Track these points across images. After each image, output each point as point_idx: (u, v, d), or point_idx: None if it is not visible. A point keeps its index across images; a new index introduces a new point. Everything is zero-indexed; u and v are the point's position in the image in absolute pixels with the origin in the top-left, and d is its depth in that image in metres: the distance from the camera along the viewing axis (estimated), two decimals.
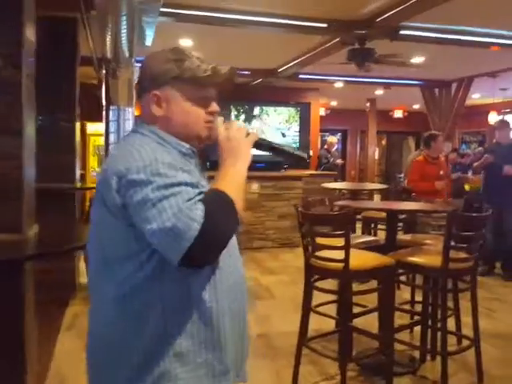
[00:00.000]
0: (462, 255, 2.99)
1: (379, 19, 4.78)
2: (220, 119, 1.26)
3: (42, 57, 4.69)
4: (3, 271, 1.90)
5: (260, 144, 1.29)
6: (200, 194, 1.09)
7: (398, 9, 4.39)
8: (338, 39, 5.49)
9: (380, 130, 13.38)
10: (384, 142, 15.58)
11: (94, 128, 8.63)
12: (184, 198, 1.06)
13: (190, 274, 1.13)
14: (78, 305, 4.45)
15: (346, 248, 2.76)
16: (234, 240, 1.24)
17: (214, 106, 1.25)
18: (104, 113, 5.18)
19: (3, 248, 1.90)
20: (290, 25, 5.01)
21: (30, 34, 2.07)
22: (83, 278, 5.05)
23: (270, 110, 9.49)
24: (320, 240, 3.10)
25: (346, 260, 2.77)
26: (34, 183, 2.29)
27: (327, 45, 5.78)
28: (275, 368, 3.26)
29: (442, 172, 5.39)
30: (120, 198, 1.09)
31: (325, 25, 5.02)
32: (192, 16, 4.94)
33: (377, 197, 11.07)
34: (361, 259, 2.93)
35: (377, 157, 14.33)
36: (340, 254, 2.78)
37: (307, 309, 3.11)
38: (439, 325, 3.11)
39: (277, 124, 9.53)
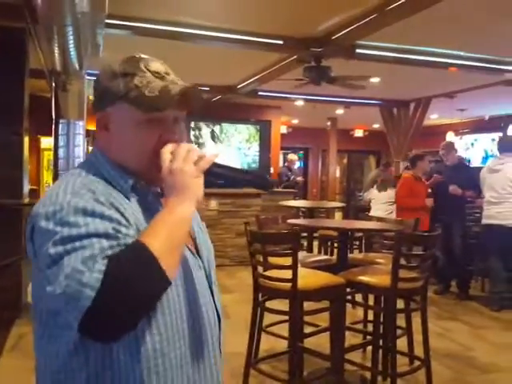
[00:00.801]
0: (412, 275, 2.98)
1: (334, 37, 4.82)
2: (167, 146, 0.99)
3: None
4: None
5: (215, 172, 1.02)
6: (113, 247, 0.87)
7: (351, 27, 4.44)
8: (294, 57, 5.51)
9: (341, 149, 13.55)
10: (345, 161, 15.79)
11: (48, 142, 8.38)
12: (84, 256, 0.84)
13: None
14: (24, 325, 4.21)
15: (294, 267, 2.70)
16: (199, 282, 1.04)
17: (169, 134, 1.01)
18: (53, 126, 5.00)
19: None
20: (246, 40, 5.00)
21: None
22: (29, 297, 4.81)
23: (231, 128, 9.47)
24: (271, 259, 3.03)
25: (293, 279, 2.70)
26: None
27: (284, 62, 5.81)
28: None
29: (429, 190, 5.59)
30: (32, 247, 0.94)
31: (280, 42, 5.03)
32: (148, 29, 4.86)
33: (338, 215, 11.17)
34: (310, 278, 2.88)
35: (338, 175, 14.49)
36: (288, 274, 2.71)
37: (255, 329, 3.04)
38: (390, 345, 3.07)
39: (237, 143, 9.50)
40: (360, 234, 4.86)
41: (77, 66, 4.28)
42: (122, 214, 0.94)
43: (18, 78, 4.68)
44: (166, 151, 0.98)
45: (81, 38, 3.51)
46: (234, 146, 9.46)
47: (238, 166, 1.07)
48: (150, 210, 1.01)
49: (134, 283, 0.84)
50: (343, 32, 4.63)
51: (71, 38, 3.51)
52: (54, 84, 4.87)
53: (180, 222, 0.93)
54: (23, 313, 4.58)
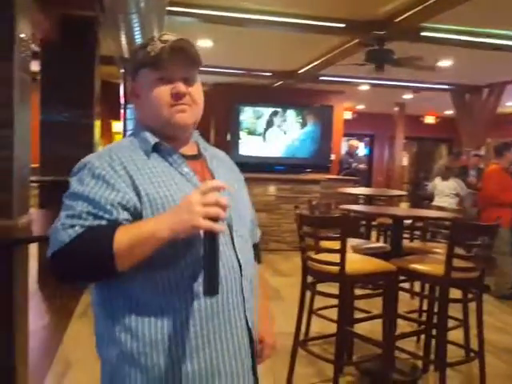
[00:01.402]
0: (467, 264, 2.89)
1: (398, 19, 4.68)
2: (209, 182, 1.08)
3: (63, 55, 4.91)
4: None
5: (208, 237, 1.04)
6: (96, 216, 1.05)
7: (416, 9, 4.29)
8: (356, 40, 5.41)
9: (410, 136, 13.12)
10: (414, 149, 15.27)
11: (120, 126, 8.78)
12: (71, 214, 1.06)
13: (126, 278, 1.08)
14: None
15: (342, 251, 2.71)
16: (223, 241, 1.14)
17: (177, 87, 1.16)
18: (122, 111, 5.26)
19: None
20: (307, 25, 4.97)
21: (23, 30, 2.12)
22: None
23: (291, 113, 9.42)
24: (323, 243, 3.06)
25: (341, 263, 2.72)
26: (29, 173, 2.36)
27: (346, 45, 5.72)
28: (272, 366, 3.25)
29: None
30: None
31: (343, 25, 4.96)
32: (210, 16, 4.96)
33: (404, 204, 10.86)
34: (359, 263, 2.87)
35: (406, 163, 14.06)
36: (336, 257, 2.73)
37: (303, 310, 3.09)
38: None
39: (297, 129, 9.46)
40: (420, 224, 4.73)
41: None
42: (131, 178, 1.10)
43: (89, 64, 4.97)
44: (204, 185, 1.05)
45: (145, 25, 3.66)
46: (294, 131, 9.43)
47: (214, 259, 1.03)
48: (175, 165, 1.18)
49: (85, 256, 1.03)
50: (407, 14, 4.48)
51: (136, 25, 3.68)
52: (123, 70, 5.11)
53: (150, 238, 1.02)
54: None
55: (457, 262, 2.81)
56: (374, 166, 14.01)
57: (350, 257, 2.84)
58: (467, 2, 4.01)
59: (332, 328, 3.57)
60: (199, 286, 1.09)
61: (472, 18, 4.82)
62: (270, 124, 9.28)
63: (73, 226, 1.04)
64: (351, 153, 9.15)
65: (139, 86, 1.21)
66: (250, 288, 1.21)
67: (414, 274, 2.99)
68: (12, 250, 2.05)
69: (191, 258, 1.10)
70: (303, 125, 9.42)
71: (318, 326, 3.63)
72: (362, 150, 13.69)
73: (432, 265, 2.94)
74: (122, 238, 1.02)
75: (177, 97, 1.17)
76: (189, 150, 1.24)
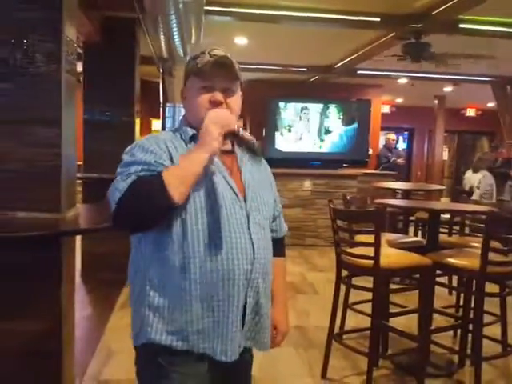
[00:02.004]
0: (504, 258, 2.87)
1: (435, 12, 4.62)
2: (211, 110, 1.35)
3: (105, 56, 5.08)
4: (41, 245, 2.12)
5: (231, 136, 1.35)
6: (144, 170, 1.28)
7: (453, 1, 4.21)
8: (393, 34, 5.36)
9: (450, 130, 12.82)
10: (455, 142, 14.90)
11: (159, 124, 8.99)
12: (126, 173, 1.27)
13: (155, 239, 1.33)
14: None
15: (376, 245, 2.73)
16: (236, 214, 1.35)
17: (215, 96, 1.38)
18: (161, 110, 5.41)
19: (41, 225, 2.13)
20: (342, 20, 4.96)
21: (69, 33, 2.25)
22: None
23: (330, 107, 9.37)
24: (358, 237, 3.09)
25: (375, 257, 2.74)
26: (75, 169, 2.50)
27: (382, 39, 5.66)
28: (307, 358, 3.32)
29: None
30: None
31: (378, 19, 4.93)
32: (246, 14, 5.03)
33: (445, 199, 10.64)
34: (394, 257, 2.89)
35: (446, 157, 13.75)
36: (370, 251, 2.76)
37: (337, 303, 3.13)
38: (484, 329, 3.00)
39: (335, 123, 9.39)
40: (458, 219, 4.66)
41: (181, 53, 4.58)
42: (170, 153, 1.34)
43: (130, 64, 5.10)
44: (208, 113, 1.33)
45: (183, 25, 3.76)
46: (332, 126, 9.38)
47: (249, 137, 1.35)
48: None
49: (144, 195, 1.23)
50: (444, 6, 4.41)
51: (174, 26, 3.79)
52: (161, 70, 5.25)
53: (191, 162, 1.27)
54: None
55: (494, 256, 2.79)
56: (414, 161, 13.77)
57: (385, 251, 2.86)
58: None
59: (367, 322, 3.61)
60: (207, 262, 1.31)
61: (510, 8, 4.69)
62: (306, 118, 9.26)
63: (129, 176, 1.26)
64: (389, 147, 9.03)
65: (187, 90, 1.45)
66: (262, 271, 1.39)
67: (449, 268, 2.98)
68: (60, 241, 2.19)
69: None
70: (341, 119, 9.36)
71: (354, 321, 3.65)
72: (400, 144, 13.48)
73: (467, 259, 2.92)
74: (170, 171, 1.26)
75: (214, 104, 1.38)
76: (223, 145, 1.37)
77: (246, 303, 1.37)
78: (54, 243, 2.16)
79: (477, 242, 3.58)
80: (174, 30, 3.91)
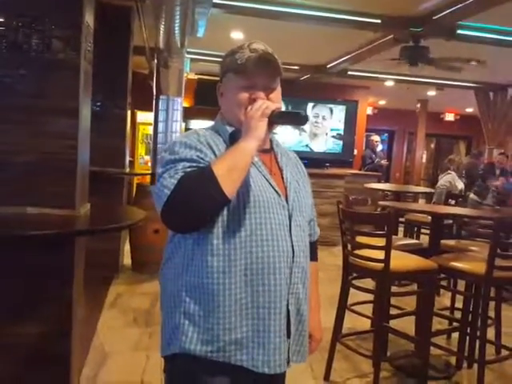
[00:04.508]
0: (509, 263, 2.90)
1: (436, 17, 4.65)
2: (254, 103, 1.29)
3: (98, 44, 4.90)
4: (55, 244, 2.01)
5: (274, 119, 1.29)
6: (192, 167, 1.21)
7: (457, 6, 4.25)
8: (391, 36, 5.38)
9: (429, 133, 13.04)
10: (433, 146, 15.17)
11: (144, 117, 8.81)
12: (172, 170, 1.21)
13: (195, 241, 1.26)
14: (121, 284, 4.62)
15: (387, 248, 2.73)
16: (280, 218, 1.30)
17: (256, 95, 1.30)
18: (154, 102, 5.29)
19: (56, 222, 2.00)
20: (343, 19, 4.95)
21: (89, 18, 2.14)
22: (127, 259, 5.22)
23: (318, 107, 9.36)
24: (360, 239, 3.08)
25: (386, 260, 2.74)
26: (88, 164, 2.38)
27: (379, 41, 5.68)
28: (309, 360, 3.27)
29: None
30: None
31: (378, 21, 4.93)
32: (244, 8, 4.95)
33: (422, 201, 10.82)
34: (402, 261, 2.90)
35: (424, 160, 13.98)
36: (381, 254, 2.75)
37: (343, 306, 3.11)
38: (478, 333, 3.04)
39: (322, 124, 9.39)
40: (449, 222, 4.73)
41: (179, 44, 4.48)
42: (213, 150, 1.27)
43: (122, 54, 4.92)
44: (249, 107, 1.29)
45: (187, 17, 3.67)
46: (319, 125, 9.37)
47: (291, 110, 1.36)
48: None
49: (195, 189, 1.16)
50: (446, 12, 4.45)
51: (177, 16, 3.69)
52: (156, 61, 5.13)
53: (241, 153, 1.20)
54: (120, 273, 4.99)
55: (498, 261, 2.82)
56: (393, 162, 13.94)
57: (392, 253, 2.85)
58: (508, 2, 3.97)
59: (363, 323, 3.62)
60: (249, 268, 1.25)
61: (508, 17, 4.77)
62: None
63: (177, 173, 1.20)
64: (373, 148, 9.12)
65: (225, 87, 1.37)
66: (302, 276, 1.33)
67: (454, 272, 3.01)
68: (74, 240, 2.09)
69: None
70: (328, 119, 9.36)
71: (350, 322, 3.65)
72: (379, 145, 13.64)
73: (473, 263, 2.95)
74: (219, 164, 1.18)
75: (254, 102, 1.30)
76: (262, 144, 1.32)
77: (288, 312, 1.30)
78: (69, 242, 2.05)
79: (474, 246, 3.63)
80: (176, 20, 3.81)
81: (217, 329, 1.23)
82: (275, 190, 1.31)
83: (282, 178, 1.37)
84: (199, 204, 1.15)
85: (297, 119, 1.31)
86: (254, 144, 1.21)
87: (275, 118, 1.27)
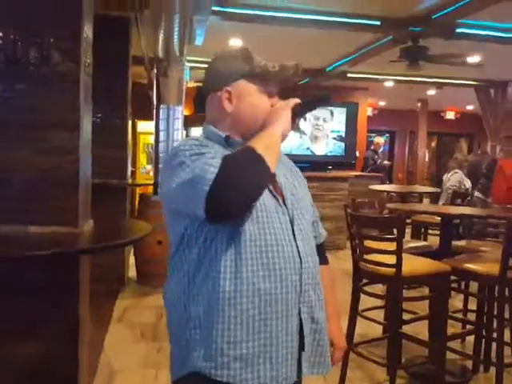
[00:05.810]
0: None
1: (435, 16, 4.61)
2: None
3: (97, 55, 4.88)
4: (58, 263, 1.95)
5: (302, 104, 1.31)
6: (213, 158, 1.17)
7: (456, 5, 4.21)
8: (390, 37, 5.34)
9: (430, 132, 13.00)
10: (434, 144, 15.12)
11: (144, 126, 8.79)
12: (207, 156, 1.15)
13: (200, 250, 1.20)
14: (127, 298, 4.56)
15: (399, 253, 2.67)
16: (280, 226, 1.25)
17: (276, 101, 1.31)
18: (155, 111, 5.27)
19: (59, 241, 1.93)
20: (342, 22, 4.92)
21: (87, 30, 2.10)
22: (132, 272, 5.16)
23: (320, 110, 9.31)
24: (369, 243, 3.02)
25: (398, 265, 2.67)
26: (90, 178, 2.33)
27: (379, 43, 5.64)
28: None
29: None
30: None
31: (378, 22, 4.90)
32: (241, 15, 4.93)
33: (426, 200, 10.76)
34: (413, 265, 2.83)
35: (427, 159, 13.93)
36: (391, 259, 2.69)
37: (355, 313, 3.04)
38: (494, 335, 2.97)
39: (323, 126, 9.34)
40: (456, 221, 4.67)
41: (178, 53, 4.45)
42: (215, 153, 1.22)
43: (121, 65, 4.91)
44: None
45: (186, 25, 3.64)
46: (320, 128, 9.33)
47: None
48: None
49: (243, 166, 1.12)
50: (445, 11, 4.41)
51: (176, 25, 3.65)
52: (155, 70, 5.10)
53: (270, 135, 1.21)
54: (126, 286, 4.93)
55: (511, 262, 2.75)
56: (395, 162, 13.90)
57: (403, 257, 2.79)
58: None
59: (374, 329, 3.55)
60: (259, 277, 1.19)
61: (506, 14, 4.72)
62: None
63: (213, 158, 1.14)
64: (376, 149, 9.07)
65: (239, 92, 1.29)
66: (313, 283, 1.27)
67: (468, 274, 2.94)
68: (79, 258, 2.04)
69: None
70: (329, 122, 9.31)
71: (360, 328, 3.58)
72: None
73: (486, 264, 2.89)
74: (254, 143, 1.17)
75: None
76: (286, 133, 1.32)
77: (301, 321, 1.24)
78: (73, 261, 1.99)
79: (484, 246, 3.57)
80: (175, 29, 3.77)
81: (220, 342, 1.16)
82: (273, 194, 1.27)
83: (277, 183, 1.32)
84: (251, 179, 1.12)
85: (323, 100, 1.37)
86: (279, 130, 1.23)
87: (304, 106, 1.31)
